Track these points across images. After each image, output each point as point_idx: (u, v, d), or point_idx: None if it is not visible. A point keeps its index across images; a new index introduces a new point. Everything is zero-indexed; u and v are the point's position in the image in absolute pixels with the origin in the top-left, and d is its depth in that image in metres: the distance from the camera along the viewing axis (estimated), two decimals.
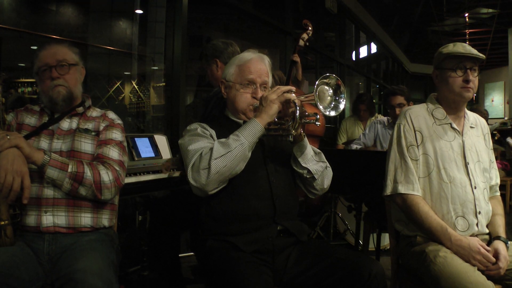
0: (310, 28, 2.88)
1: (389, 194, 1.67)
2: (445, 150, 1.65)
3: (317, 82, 1.36)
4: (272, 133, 1.46)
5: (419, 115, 1.71)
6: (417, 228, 1.65)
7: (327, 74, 1.40)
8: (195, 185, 1.37)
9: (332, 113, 1.41)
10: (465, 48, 1.63)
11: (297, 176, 1.59)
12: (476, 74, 1.64)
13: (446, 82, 1.66)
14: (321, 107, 1.37)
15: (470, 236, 1.60)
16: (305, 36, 2.89)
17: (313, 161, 1.55)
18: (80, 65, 1.66)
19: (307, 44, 2.94)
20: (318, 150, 1.62)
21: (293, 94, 1.40)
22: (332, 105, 1.41)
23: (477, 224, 1.61)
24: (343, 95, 1.42)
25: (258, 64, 1.56)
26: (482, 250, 1.50)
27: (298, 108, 1.37)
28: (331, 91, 1.41)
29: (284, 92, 1.40)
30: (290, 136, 1.41)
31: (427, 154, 1.65)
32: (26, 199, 1.33)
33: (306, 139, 1.51)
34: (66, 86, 1.56)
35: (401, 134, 1.68)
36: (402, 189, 1.63)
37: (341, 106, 1.42)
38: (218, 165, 1.34)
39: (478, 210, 1.61)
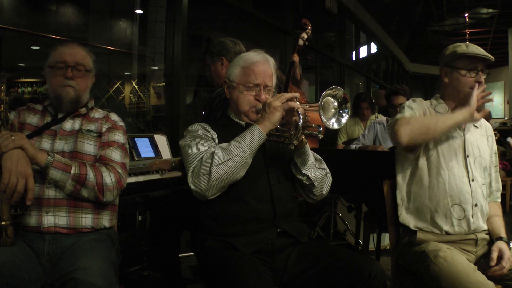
0: (309, 28, 2.88)
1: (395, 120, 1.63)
2: (444, 140, 1.67)
3: (323, 93, 1.35)
4: (273, 139, 1.46)
5: (424, 105, 1.73)
6: (423, 136, 1.59)
7: (334, 86, 1.38)
8: (195, 190, 1.37)
9: (335, 126, 1.40)
10: (479, 49, 1.65)
11: (297, 181, 1.59)
12: (484, 76, 1.66)
13: (457, 81, 1.68)
14: (324, 118, 1.36)
15: (467, 229, 1.61)
16: (304, 35, 2.89)
17: (313, 168, 1.54)
18: (93, 73, 1.66)
19: (307, 43, 2.94)
20: (319, 157, 1.61)
21: (297, 103, 1.39)
22: (335, 118, 1.40)
23: (472, 216, 1.61)
24: (347, 110, 1.40)
25: (263, 66, 1.55)
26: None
27: (301, 117, 1.36)
28: (336, 103, 1.40)
29: (288, 100, 1.38)
30: (291, 145, 1.40)
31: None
32: (29, 201, 1.33)
33: (307, 146, 1.50)
34: (76, 89, 1.57)
35: (412, 104, 1.69)
36: (408, 112, 1.64)
37: (343, 120, 1.41)
38: (219, 171, 1.34)
39: (474, 203, 1.63)
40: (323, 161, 1.61)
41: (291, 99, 1.39)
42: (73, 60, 1.56)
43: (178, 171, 2.29)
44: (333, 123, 1.39)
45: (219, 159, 1.35)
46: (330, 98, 1.39)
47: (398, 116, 1.64)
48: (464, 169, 1.65)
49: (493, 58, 1.64)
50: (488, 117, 1.98)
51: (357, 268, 1.34)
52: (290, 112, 1.39)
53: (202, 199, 1.40)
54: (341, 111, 1.40)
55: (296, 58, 2.93)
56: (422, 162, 1.68)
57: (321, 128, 1.41)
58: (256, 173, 1.49)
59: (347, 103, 1.40)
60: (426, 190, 1.65)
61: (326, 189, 1.60)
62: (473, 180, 1.65)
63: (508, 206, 5.22)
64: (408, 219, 1.69)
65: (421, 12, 8.97)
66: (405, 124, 1.58)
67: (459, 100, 1.70)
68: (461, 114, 1.58)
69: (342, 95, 1.39)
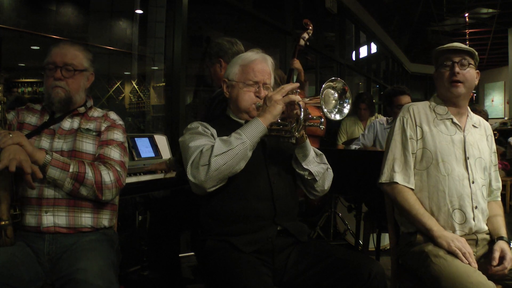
0: (310, 28, 2.89)
1: (383, 182, 1.70)
2: (444, 143, 1.66)
3: (323, 85, 1.35)
4: (274, 133, 1.45)
5: (421, 111, 1.74)
6: (404, 216, 1.68)
7: (334, 78, 1.38)
8: (194, 182, 1.36)
9: (337, 117, 1.39)
10: (453, 44, 1.67)
11: (298, 177, 1.59)
12: (466, 67, 1.65)
13: (439, 79, 1.71)
14: (325, 110, 1.36)
15: (469, 231, 1.61)
16: (305, 35, 2.90)
17: (314, 163, 1.54)
18: (90, 72, 1.65)
19: (308, 43, 2.94)
20: (320, 152, 1.62)
21: (298, 96, 1.38)
22: (337, 109, 1.40)
23: (473, 219, 1.62)
24: (347, 100, 1.40)
25: (261, 64, 1.56)
26: (463, 240, 1.53)
27: (302, 110, 1.35)
28: (336, 95, 1.39)
29: (289, 93, 1.38)
30: (293, 138, 1.40)
31: (427, 148, 1.67)
32: (39, 175, 1.33)
33: (308, 141, 1.50)
34: (66, 89, 1.56)
35: (404, 127, 1.71)
36: (399, 179, 1.67)
37: (345, 111, 1.40)
38: (218, 162, 1.33)
39: (474, 205, 1.62)
40: (323, 156, 1.61)
41: (291, 92, 1.39)
42: (61, 60, 1.55)
43: (174, 172, 2.28)
44: (335, 115, 1.39)
45: (219, 150, 1.34)
46: (330, 90, 1.39)
47: (392, 178, 1.67)
48: (465, 171, 1.65)
49: (467, 47, 1.64)
50: (485, 118, 1.98)
51: (357, 268, 1.34)
52: (291, 105, 1.39)
53: (200, 192, 1.39)
54: (341, 102, 1.40)
55: (296, 64, 2.93)
56: (421, 172, 1.68)
57: (322, 119, 1.40)
58: (256, 170, 1.49)
59: (346, 93, 1.40)
60: (426, 200, 1.65)
61: (327, 184, 1.60)
62: (473, 182, 1.64)
63: (508, 206, 5.22)
64: (408, 227, 1.70)
65: (421, 12, 8.97)
66: (397, 194, 1.66)
67: (447, 97, 1.71)
68: (440, 233, 1.55)
69: (341, 86, 1.39)
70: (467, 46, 1.66)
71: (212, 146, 1.36)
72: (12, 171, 1.28)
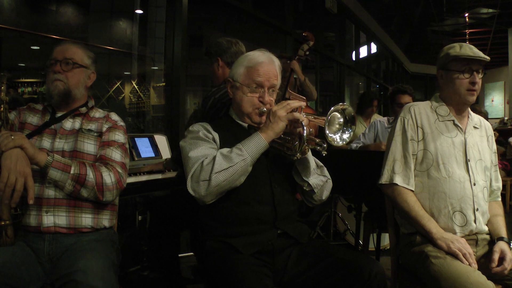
0: (311, 41, 2.91)
1: (383, 183, 1.69)
2: (445, 146, 1.65)
3: (332, 108, 1.34)
4: (276, 146, 1.45)
5: (422, 112, 1.72)
6: (404, 217, 1.68)
7: (344, 103, 1.37)
8: (194, 195, 1.37)
9: (337, 141, 1.38)
10: (472, 50, 1.63)
11: (298, 186, 1.58)
12: (481, 76, 1.65)
13: (452, 83, 1.67)
14: (328, 132, 1.35)
15: (470, 233, 1.61)
16: (305, 46, 2.92)
17: (314, 175, 1.54)
18: (90, 70, 1.66)
19: (307, 53, 2.95)
20: (321, 164, 1.60)
21: (303, 114, 1.37)
22: (338, 134, 1.39)
23: (475, 221, 1.61)
24: (350, 130, 1.39)
25: (268, 67, 1.53)
26: (464, 241, 1.53)
27: (305, 129, 1.34)
28: (342, 120, 1.39)
29: (293, 110, 1.37)
30: (294, 156, 1.39)
31: (427, 150, 1.66)
32: (31, 199, 1.33)
33: (310, 153, 1.49)
34: (65, 82, 1.57)
35: (405, 128, 1.70)
36: (398, 180, 1.66)
37: (346, 138, 1.40)
38: (218, 179, 1.34)
39: (476, 207, 1.62)
40: (324, 168, 1.60)
41: (296, 109, 1.38)
42: (62, 55, 1.59)
43: (173, 171, 2.28)
44: (335, 139, 1.38)
45: (220, 166, 1.34)
46: (337, 113, 1.38)
47: (392, 180, 1.67)
48: (466, 173, 1.64)
49: (487, 58, 1.62)
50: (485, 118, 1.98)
51: (357, 268, 1.34)
52: (294, 123, 1.38)
53: (200, 203, 1.41)
54: (345, 128, 1.39)
55: (294, 65, 2.96)
56: (421, 174, 1.67)
57: (325, 145, 1.37)
58: (258, 175, 1.48)
59: (354, 122, 1.38)
60: (426, 201, 1.65)
61: (326, 194, 1.60)
62: (474, 184, 1.64)
63: (508, 206, 5.22)
64: (408, 228, 1.70)
65: (421, 12, 8.96)
66: (397, 196, 1.66)
67: (456, 102, 1.70)
68: (440, 235, 1.55)
69: (350, 113, 1.38)
70: (485, 56, 1.63)
71: (213, 160, 1.35)
72: (20, 190, 1.29)
